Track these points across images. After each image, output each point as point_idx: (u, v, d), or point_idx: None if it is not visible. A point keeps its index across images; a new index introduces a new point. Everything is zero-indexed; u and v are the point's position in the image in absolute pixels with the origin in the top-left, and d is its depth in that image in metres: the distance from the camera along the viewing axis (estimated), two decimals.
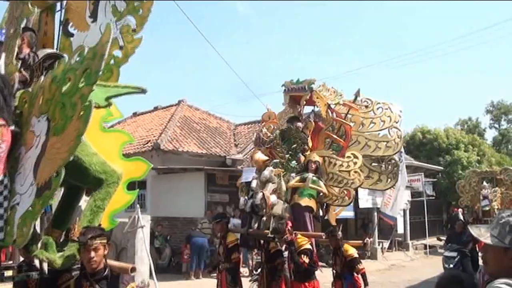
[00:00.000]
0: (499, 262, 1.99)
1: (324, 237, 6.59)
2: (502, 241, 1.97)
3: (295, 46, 73.21)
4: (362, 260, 6.70)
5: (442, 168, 25.95)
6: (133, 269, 3.33)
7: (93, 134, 3.51)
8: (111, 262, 3.37)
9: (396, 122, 6.97)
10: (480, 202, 15.49)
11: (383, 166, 6.99)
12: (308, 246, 5.93)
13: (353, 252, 6.47)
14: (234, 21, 76.12)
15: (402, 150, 13.56)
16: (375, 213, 16.79)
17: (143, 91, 3.30)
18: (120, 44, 3.32)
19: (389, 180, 6.93)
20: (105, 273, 3.10)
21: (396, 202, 13.51)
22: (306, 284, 6.04)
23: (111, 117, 4.18)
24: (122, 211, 4.17)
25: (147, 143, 15.59)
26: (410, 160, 21.89)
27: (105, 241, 3.12)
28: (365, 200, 16.58)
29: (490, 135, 43.74)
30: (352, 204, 15.07)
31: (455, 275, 2.22)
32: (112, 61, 3.30)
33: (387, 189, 8.01)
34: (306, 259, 5.83)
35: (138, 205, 10.11)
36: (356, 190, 6.70)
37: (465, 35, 71.03)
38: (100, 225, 3.45)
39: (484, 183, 16.37)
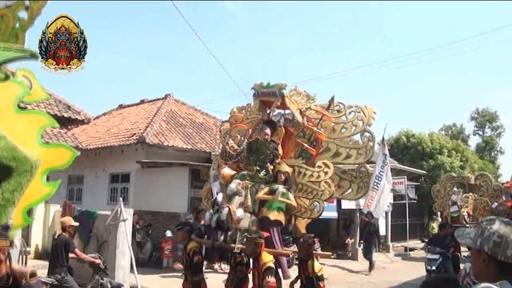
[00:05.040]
0: (476, 264, 2.02)
1: (295, 246, 6.33)
2: (475, 242, 2.00)
3: (294, 45, 73.38)
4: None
5: (425, 172, 26.22)
6: (33, 275, 2.75)
7: (3, 115, 3.07)
8: (13, 266, 2.87)
9: (369, 126, 6.68)
10: (449, 207, 15.57)
11: (354, 174, 6.66)
12: (271, 264, 5.61)
13: (318, 269, 6.04)
14: (233, 22, 75.92)
15: (387, 153, 13.65)
16: (358, 214, 16.90)
17: (32, 54, 2.92)
18: (26, 4, 2.99)
19: (359, 189, 6.60)
20: (9, 281, 2.62)
21: (379, 203, 13.55)
22: None
23: (29, 96, 3.58)
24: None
25: (132, 136, 15.47)
26: (394, 163, 22.07)
27: (1, 242, 2.59)
28: (347, 201, 16.66)
29: (474, 141, 44.49)
30: (335, 204, 15.29)
31: (442, 277, 2.24)
32: (17, 24, 2.97)
33: (358, 198, 7.61)
34: (271, 279, 5.49)
35: (121, 198, 10.02)
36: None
37: (454, 42, 71.84)
38: (7, 222, 2.96)
39: (455, 188, 16.39)
